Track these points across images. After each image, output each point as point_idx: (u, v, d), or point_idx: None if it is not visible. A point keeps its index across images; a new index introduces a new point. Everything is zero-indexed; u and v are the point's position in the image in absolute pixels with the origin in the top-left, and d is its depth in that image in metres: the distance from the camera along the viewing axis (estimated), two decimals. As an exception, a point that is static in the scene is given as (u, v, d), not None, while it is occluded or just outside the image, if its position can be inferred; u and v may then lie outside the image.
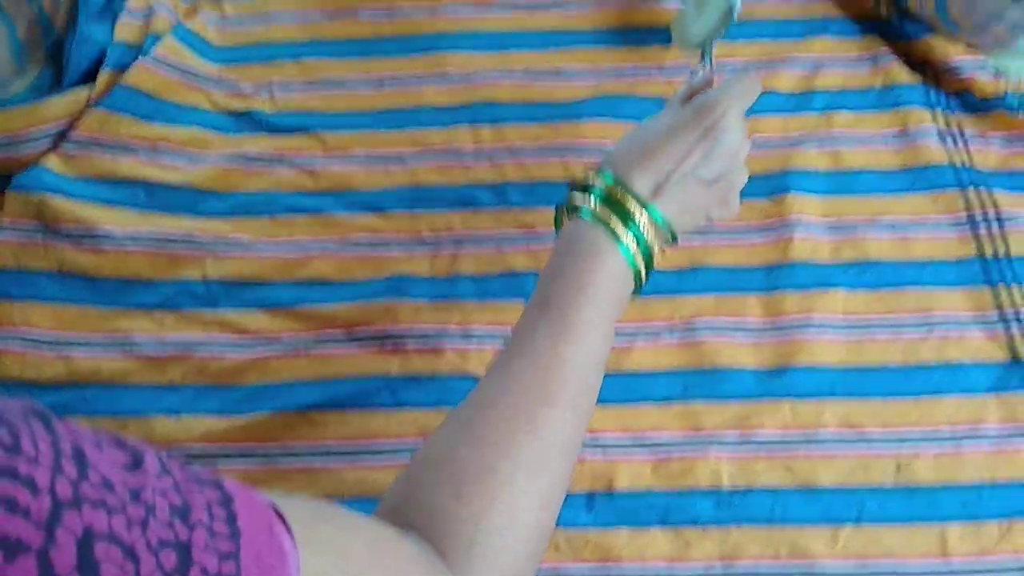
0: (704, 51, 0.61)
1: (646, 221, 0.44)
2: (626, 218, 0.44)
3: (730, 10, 0.63)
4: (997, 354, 0.57)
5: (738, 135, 0.48)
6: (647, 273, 0.46)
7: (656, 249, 0.45)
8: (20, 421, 0.22)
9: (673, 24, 0.68)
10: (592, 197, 0.45)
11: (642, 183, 0.45)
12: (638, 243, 0.44)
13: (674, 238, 0.47)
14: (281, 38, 0.71)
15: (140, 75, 0.64)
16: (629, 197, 0.44)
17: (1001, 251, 0.60)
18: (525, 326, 0.43)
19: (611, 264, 0.44)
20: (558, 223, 0.48)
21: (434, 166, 0.65)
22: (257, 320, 0.58)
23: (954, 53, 0.67)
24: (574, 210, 0.46)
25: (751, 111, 0.62)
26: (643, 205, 0.44)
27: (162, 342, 0.57)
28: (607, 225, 0.44)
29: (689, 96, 0.51)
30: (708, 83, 0.53)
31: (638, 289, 0.46)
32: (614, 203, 0.44)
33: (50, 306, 0.57)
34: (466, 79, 0.68)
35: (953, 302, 0.59)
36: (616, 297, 0.44)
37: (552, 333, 0.42)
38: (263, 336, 0.58)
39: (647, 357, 0.57)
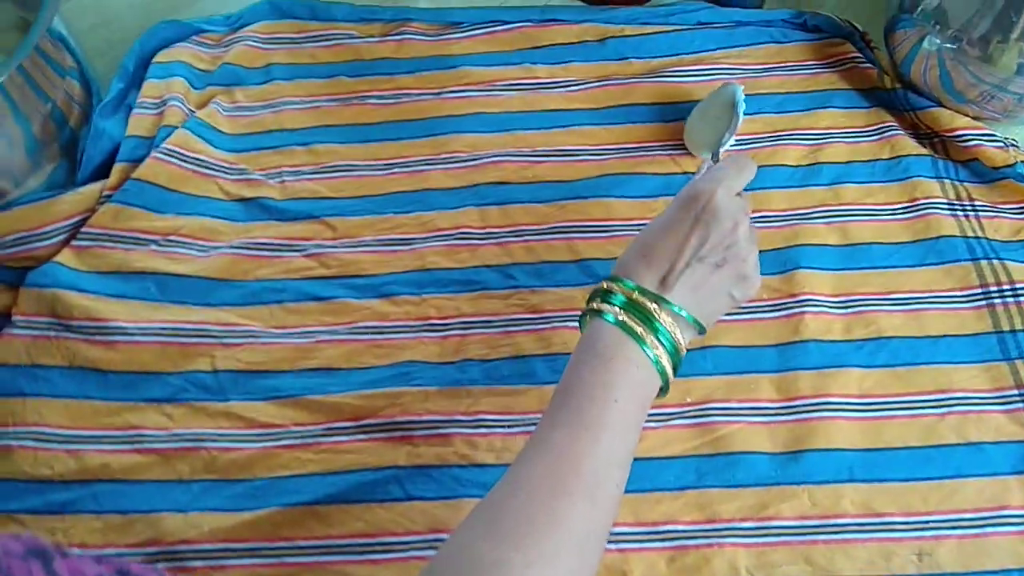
0: (713, 154, 0.61)
1: (667, 317, 0.45)
2: (647, 319, 0.45)
3: (734, 112, 0.63)
4: (1019, 433, 0.56)
5: (731, 213, 0.47)
6: (675, 369, 0.46)
7: (683, 344, 0.46)
8: (19, 563, 0.22)
9: (685, 134, 0.69)
10: (612, 304, 0.46)
11: (648, 279, 0.46)
12: (661, 340, 0.45)
13: (702, 329, 0.47)
14: (291, 125, 0.72)
15: (152, 168, 0.65)
16: (644, 297, 0.45)
17: (1018, 324, 0.59)
18: (546, 421, 0.44)
19: (633, 363, 0.44)
20: (582, 326, 0.48)
21: (442, 248, 0.65)
22: (265, 411, 0.58)
23: (961, 124, 0.67)
24: (596, 314, 0.46)
25: (758, 186, 0.63)
26: (658, 300, 0.45)
27: (171, 436, 0.57)
28: (628, 327, 0.45)
29: None
30: None
31: (666, 386, 0.46)
32: (633, 306, 0.45)
33: (62, 402, 0.58)
34: (472, 161, 0.69)
35: (970, 379, 0.58)
36: (638, 395, 0.44)
37: (571, 427, 0.42)
38: (271, 427, 0.57)
39: (659, 442, 0.56)
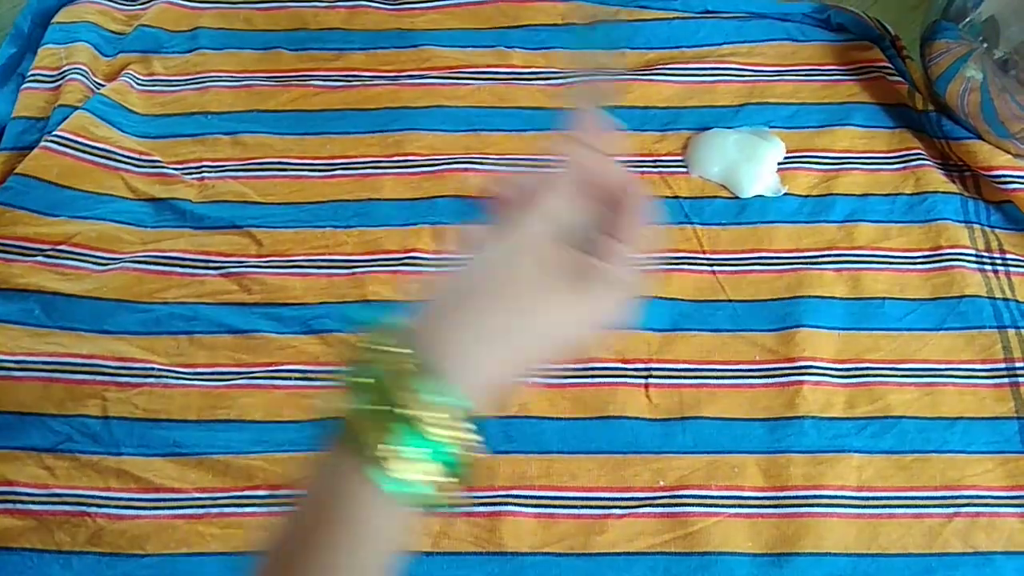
0: None
1: (436, 414, 0.26)
2: (400, 424, 0.25)
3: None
4: (1035, 544, 0.48)
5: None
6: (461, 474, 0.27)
7: (464, 442, 0.26)
8: None
9: (693, 150, 0.59)
10: (358, 391, 0.26)
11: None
12: (426, 448, 0.26)
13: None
14: (217, 107, 0.61)
15: (41, 160, 0.55)
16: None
17: (1045, 410, 0.52)
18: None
19: (369, 522, 0.26)
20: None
21: (386, 275, 0.55)
22: (164, 471, 0.49)
23: (1000, 162, 0.57)
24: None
25: (760, 220, 0.55)
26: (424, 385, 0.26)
27: (51, 496, 0.48)
28: (363, 449, 0.25)
29: None
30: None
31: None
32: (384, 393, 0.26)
33: (-80, 449, 0.48)
34: (430, 167, 0.59)
35: (984, 474, 0.50)
36: (384, 549, 0.27)
37: None
38: (169, 492, 0.49)
39: (623, 534, 0.48)
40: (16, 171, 0.54)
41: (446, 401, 0.26)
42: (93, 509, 0.48)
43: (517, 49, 0.64)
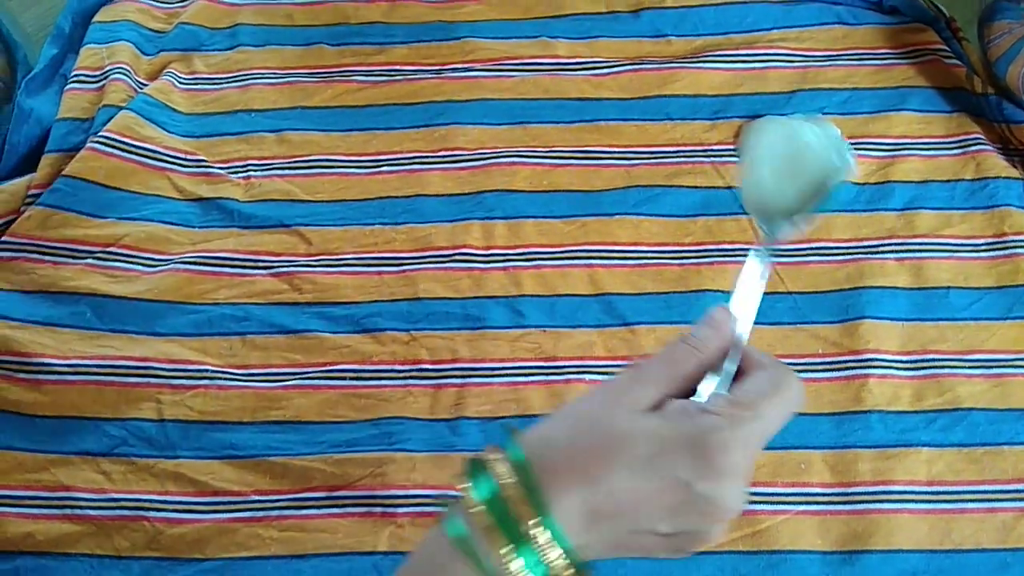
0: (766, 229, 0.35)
1: (546, 542, 0.27)
2: (517, 538, 0.27)
3: (828, 186, 0.42)
4: (1116, 538, 0.47)
5: (735, 497, 0.29)
6: None
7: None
8: None
9: (746, 139, 0.57)
10: (475, 493, 0.28)
11: (569, 507, 0.28)
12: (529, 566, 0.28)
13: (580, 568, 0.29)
14: (260, 105, 0.60)
15: (88, 161, 0.54)
16: (532, 509, 0.27)
17: (1120, 399, 0.50)
18: None
19: None
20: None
21: (438, 272, 0.54)
22: (222, 474, 0.49)
23: (1065, 145, 0.56)
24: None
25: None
26: (539, 510, 0.27)
27: (108, 500, 0.48)
28: (471, 551, 0.27)
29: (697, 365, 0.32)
30: (734, 346, 0.34)
31: None
32: (505, 511, 0.27)
33: (-25, 455, 0.48)
34: (476, 161, 0.58)
35: (1061, 466, 0.49)
36: None
37: None
38: (227, 495, 0.48)
39: (689, 533, 0.47)
40: (63, 173, 0.54)
41: (555, 533, 0.27)
42: (151, 513, 0.48)
43: (561, 39, 0.63)
